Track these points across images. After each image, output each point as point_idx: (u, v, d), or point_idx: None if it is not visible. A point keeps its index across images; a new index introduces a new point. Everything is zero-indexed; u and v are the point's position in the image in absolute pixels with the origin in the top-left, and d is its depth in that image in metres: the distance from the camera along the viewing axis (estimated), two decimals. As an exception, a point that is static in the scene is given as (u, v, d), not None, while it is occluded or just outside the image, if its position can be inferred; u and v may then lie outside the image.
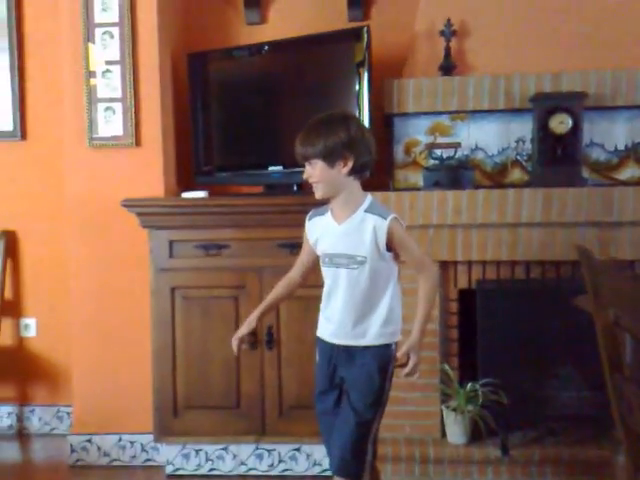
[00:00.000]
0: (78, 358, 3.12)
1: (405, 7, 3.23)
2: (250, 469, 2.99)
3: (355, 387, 2.05)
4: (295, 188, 3.08)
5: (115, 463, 3.11)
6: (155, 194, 3.04)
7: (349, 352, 2.05)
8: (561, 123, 2.77)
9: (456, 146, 2.89)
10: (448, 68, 2.97)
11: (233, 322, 2.83)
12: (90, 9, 2.99)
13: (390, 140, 3.02)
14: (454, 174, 2.83)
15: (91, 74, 3.02)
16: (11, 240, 3.50)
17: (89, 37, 3.01)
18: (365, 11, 3.32)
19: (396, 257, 2.04)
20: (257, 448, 2.97)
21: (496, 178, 2.99)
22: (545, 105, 2.79)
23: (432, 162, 2.91)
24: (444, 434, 2.85)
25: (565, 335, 2.77)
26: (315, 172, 2.00)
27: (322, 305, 2.12)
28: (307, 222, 2.14)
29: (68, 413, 3.46)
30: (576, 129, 2.78)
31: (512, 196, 2.70)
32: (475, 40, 3.01)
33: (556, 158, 2.79)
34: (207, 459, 3.00)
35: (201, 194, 3.02)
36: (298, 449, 2.96)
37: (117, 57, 3.01)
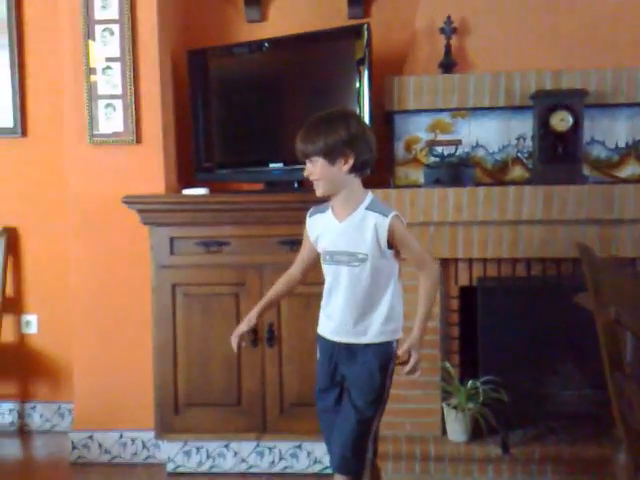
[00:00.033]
0: (79, 355, 3.13)
1: (405, 4, 3.23)
2: (251, 466, 2.99)
3: (356, 385, 2.05)
4: (296, 185, 3.08)
5: (116, 460, 3.12)
6: (156, 191, 3.03)
7: (350, 350, 2.05)
8: (562, 120, 2.77)
9: (457, 143, 2.89)
10: (448, 65, 2.97)
11: (234, 319, 2.83)
12: (90, 6, 2.99)
13: (391, 137, 3.01)
14: (455, 171, 2.83)
15: (91, 71, 3.02)
16: (12, 237, 3.50)
17: (89, 34, 3.01)
18: (365, 8, 3.31)
19: (397, 254, 2.04)
20: (258, 445, 2.98)
21: (497, 175, 2.98)
22: (546, 102, 2.79)
23: (433, 159, 2.91)
24: (445, 432, 2.85)
25: (566, 333, 2.77)
26: (316, 170, 2.00)
27: (323, 303, 2.12)
28: (308, 219, 2.13)
29: (69, 410, 3.46)
30: (577, 127, 2.77)
31: (513, 193, 2.70)
32: (475, 37, 3.01)
33: (557, 155, 2.79)
34: (208, 456, 3.00)
35: (202, 191, 3.02)
36: (299, 446, 2.97)
37: (117, 54, 3.01)
